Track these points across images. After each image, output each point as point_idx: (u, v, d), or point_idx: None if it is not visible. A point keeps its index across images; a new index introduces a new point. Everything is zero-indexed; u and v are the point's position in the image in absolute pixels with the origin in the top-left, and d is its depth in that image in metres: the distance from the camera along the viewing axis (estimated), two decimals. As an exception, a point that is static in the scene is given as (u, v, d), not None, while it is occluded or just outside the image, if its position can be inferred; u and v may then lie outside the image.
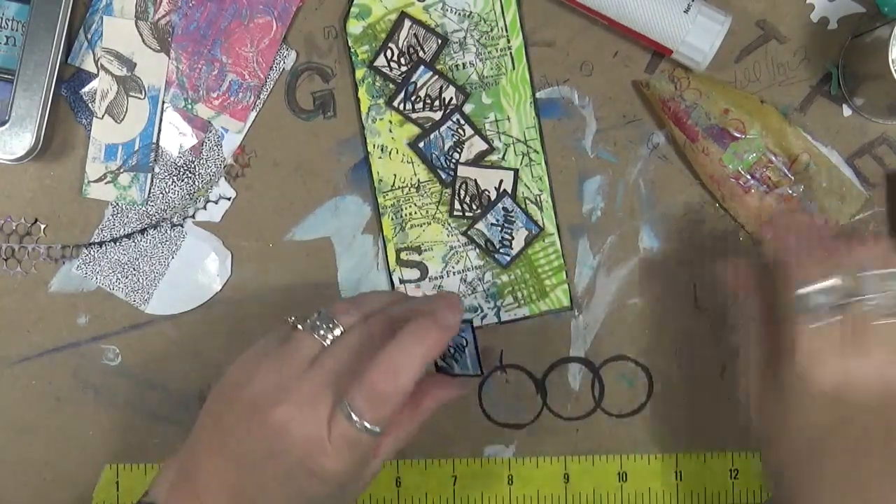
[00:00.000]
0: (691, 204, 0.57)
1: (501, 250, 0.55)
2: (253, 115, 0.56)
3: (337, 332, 0.45)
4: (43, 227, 0.57)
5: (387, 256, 0.56)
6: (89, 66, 0.56)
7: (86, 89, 0.56)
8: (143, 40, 0.56)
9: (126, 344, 0.57)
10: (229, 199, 0.57)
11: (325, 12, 0.56)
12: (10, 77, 0.54)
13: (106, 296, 0.57)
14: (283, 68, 0.56)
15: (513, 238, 0.55)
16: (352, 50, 0.55)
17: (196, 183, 0.57)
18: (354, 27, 0.55)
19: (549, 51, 0.56)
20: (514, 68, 0.55)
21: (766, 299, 0.48)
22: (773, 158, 0.55)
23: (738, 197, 0.56)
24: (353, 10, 0.55)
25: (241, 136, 0.57)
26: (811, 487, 0.45)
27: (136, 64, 0.56)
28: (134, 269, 0.57)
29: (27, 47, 0.53)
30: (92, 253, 0.57)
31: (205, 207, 0.57)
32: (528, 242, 0.55)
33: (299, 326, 0.45)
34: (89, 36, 0.56)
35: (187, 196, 0.57)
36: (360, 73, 0.55)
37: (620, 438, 0.57)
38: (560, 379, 0.57)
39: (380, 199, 0.55)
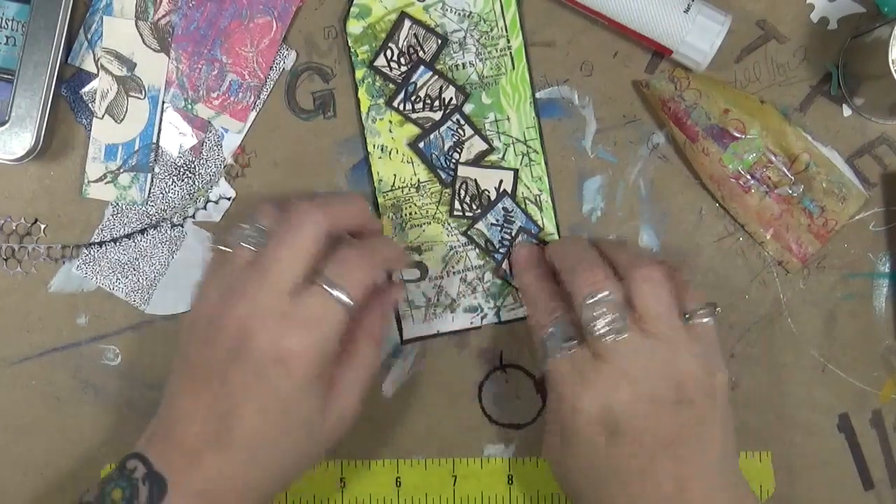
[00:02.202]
0: (691, 204, 0.57)
1: (501, 250, 0.55)
2: (253, 115, 0.56)
3: (250, 233, 0.48)
4: (43, 227, 0.57)
5: None
6: (89, 66, 0.56)
7: (86, 89, 0.56)
8: (143, 40, 0.56)
9: (126, 344, 0.57)
10: (229, 199, 0.57)
11: (325, 12, 0.56)
12: (10, 77, 0.54)
13: (106, 296, 0.57)
14: (283, 68, 0.56)
15: (513, 238, 0.55)
16: (352, 50, 0.55)
17: (196, 183, 0.57)
18: (354, 27, 0.55)
19: (549, 51, 0.56)
20: (513, 68, 0.55)
21: None
22: (773, 158, 0.55)
23: (738, 197, 0.56)
24: (353, 10, 0.55)
25: (241, 136, 0.57)
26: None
27: (136, 64, 0.56)
28: (134, 269, 0.57)
29: (27, 47, 0.53)
30: (92, 253, 0.57)
31: (205, 207, 0.57)
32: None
33: (224, 248, 0.48)
34: (89, 36, 0.56)
35: (187, 196, 0.57)
36: (360, 73, 0.55)
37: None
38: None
39: (380, 199, 0.55)
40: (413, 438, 0.57)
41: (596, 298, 0.47)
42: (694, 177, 0.56)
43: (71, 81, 0.56)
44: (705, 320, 0.49)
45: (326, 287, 0.45)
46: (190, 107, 0.56)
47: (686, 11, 0.53)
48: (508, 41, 0.55)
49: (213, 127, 0.56)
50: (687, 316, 0.49)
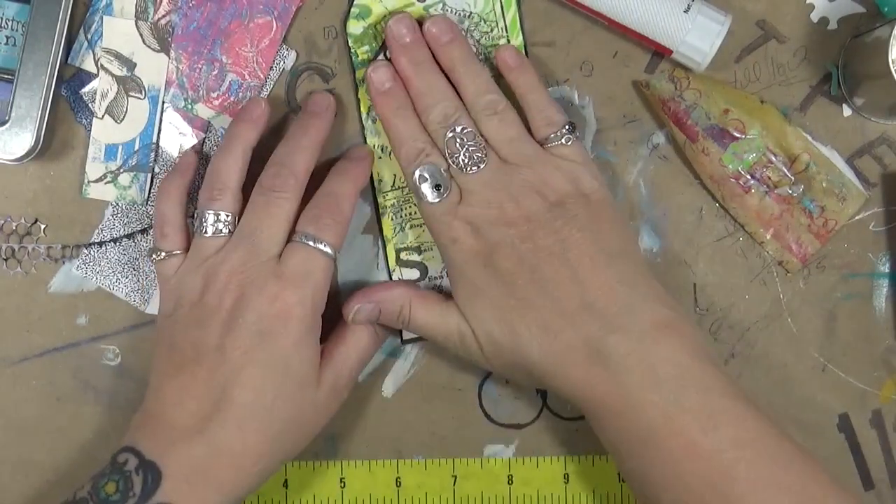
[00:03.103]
0: (691, 204, 0.57)
1: None
2: (253, 115, 0.56)
3: (221, 224, 0.50)
4: (43, 227, 0.57)
5: (386, 256, 0.56)
6: (89, 66, 0.56)
7: (86, 89, 0.56)
8: (143, 40, 0.56)
9: (126, 344, 0.57)
10: (229, 199, 0.57)
11: (325, 12, 0.56)
12: (10, 77, 0.54)
13: (106, 296, 0.57)
14: (283, 68, 0.56)
15: None
16: (352, 50, 0.55)
17: (196, 183, 0.57)
18: (355, 27, 0.55)
19: (549, 51, 0.56)
20: None
21: None
22: (773, 158, 0.55)
23: (738, 197, 0.56)
24: (353, 10, 0.55)
25: (241, 136, 0.57)
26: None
27: (136, 64, 0.56)
28: (134, 269, 0.57)
29: (27, 47, 0.53)
30: (92, 253, 0.57)
31: (205, 207, 0.57)
32: None
33: (176, 252, 0.51)
34: (89, 36, 0.56)
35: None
36: (360, 74, 0.55)
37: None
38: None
39: (380, 200, 0.55)
40: (413, 438, 0.57)
41: (455, 132, 0.50)
42: (694, 177, 0.56)
43: (71, 81, 0.56)
44: (563, 141, 0.51)
45: (308, 242, 0.49)
46: (190, 107, 0.56)
47: (686, 11, 0.53)
48: (509, 41, 0.55)
49: (213, 127, 0.56)
50: (545, 141, 0.51)
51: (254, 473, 0.47)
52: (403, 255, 0.55)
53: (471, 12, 0.55)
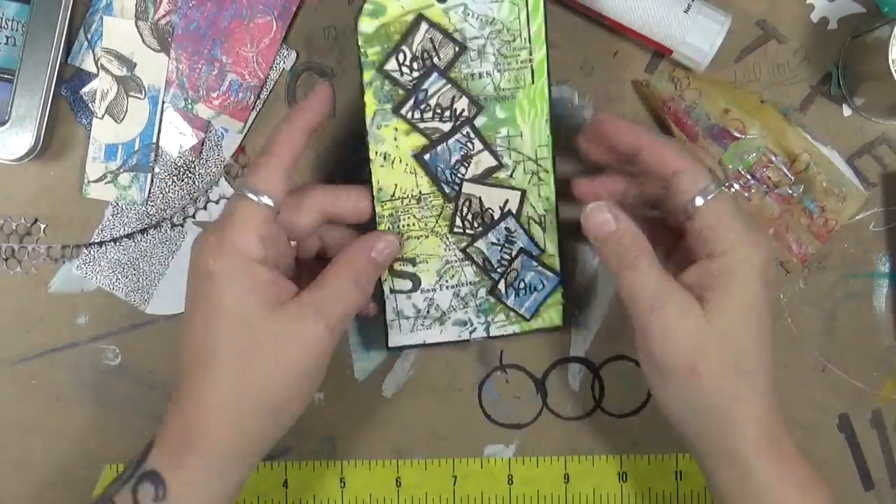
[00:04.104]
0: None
1: (499, 270, 0.54)
2: (253, 115, 0.56)
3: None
4: (43, 227, 0.57)
5: None
6: (89, 66, 0.56)
7: (86, 89, 0.56)
8: (143, 40, 0.56)
9: (126, 344, 0.57)
10: (229, 199, 0.57)
11: (325, 12, 0.56)
12: (10, 77, 0.54)
13: (106, 296, 0.57)
14: (283, 68, 0.56)
15: (512, 259, 0.53)
16: (361, 50, 0.50)
17: (196, 183, 0.57)
18: (367, 25, 0.50)
19: (549, 51, 0.56)
20: (533, 82, 0.51)
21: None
22: (773, 158, 0.55)
23: (737, 197, 0.56)
24: (366, 6, 0.50)
25: (241, 136, 0.57)
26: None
27: (136, 64, 0.56)
28: (134, 269, 0.57)
29: (27, 47, 0.54)
30: (92, 253, 0.57)
31: (205, 207, 0.57)
32: (547, 295, 0.54)
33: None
34: (89, 36, 0.56)
35: (187, 196, 0.57)
36: (368, 75, 0.50)
37: (620, 438, 0.57)
38: (560, 379, 0.57)
39: (378, 208, 0.52)
40: (413, 438, 0.57)
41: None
42: (694, 177, 0.56)
43: (71, 81, 0.56)
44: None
45: (239, 190, 0.46)
46: (190, 107, 0.56)
47: (686, 11, 0.53)
48: (531, 53, 0.51)
49: (213, 127, 0.56)
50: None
51: (240, 429, 0.46)
52: (397, 266, 0.53)
53: (493, 18, 0.50)
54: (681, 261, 0.48)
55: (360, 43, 0.50)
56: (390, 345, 0.54)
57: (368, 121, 0.51)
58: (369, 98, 0.51)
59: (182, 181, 0.57)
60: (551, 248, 0.53)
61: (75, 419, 0.57)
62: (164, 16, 0.56)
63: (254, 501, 0.57)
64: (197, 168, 0.57)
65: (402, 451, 0.57)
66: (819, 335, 0.56)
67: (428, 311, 0.54)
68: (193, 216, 0.57)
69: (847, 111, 0.56)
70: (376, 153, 0.52)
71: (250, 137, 0.57)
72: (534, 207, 0.53)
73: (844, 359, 0.56)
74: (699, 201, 0.46)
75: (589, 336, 0.57)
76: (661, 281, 0.46)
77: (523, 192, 0.53)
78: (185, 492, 0.45)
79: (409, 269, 0.53)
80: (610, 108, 0.56)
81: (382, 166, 0.52)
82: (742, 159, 0.55)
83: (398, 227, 0.52)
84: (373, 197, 0.52)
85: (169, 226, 0.57)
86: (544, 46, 0.51)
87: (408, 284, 0.54)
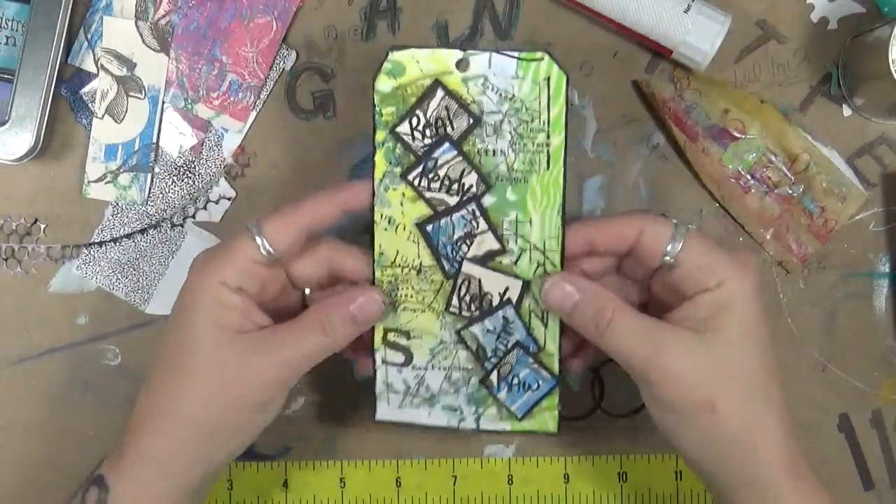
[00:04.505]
0: (691, 204, 0.57)
1: (493, 360, 0.51)
2: (253, 115, 0.57)
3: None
4: (43, 227, 0.57)
5: (373, 334, 0.51)
6: (89, 66, 0.56)
7: (86, 89, 0.56)
8: (143, 40, 0.56)
9: (126, 344, 0.57)
10: (229, 199, 0.57)
11: (325, 12, 0.56)
12: (10, 77, 0.54)
13: (106, 296, 0.57)
14: (283, 68, 0.56)
15: (507, 350, 0.50)
16: (377, 108, 0.48)
17: (196, 183, 0.57)
18: (384, 84, 0.48)
19: (549, 51, 0.56)
20: (548, 169, 0.48)
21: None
22: (773, 158, 0.55)
23: (738, 197, 0.56)
24: (385, 64, 0.48)
25: (241, 136, 0.57)
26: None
27: (136, 64, 0.56)
28: (134, 269, 0.57)
29: (27, 47, 0.53)
30: (92, 253, 0.57)
31: (205, 207, 0.57)
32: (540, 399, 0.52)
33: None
34: (89, 36, 0.56)
35: (187, 196, 0.57)
36: (380, 136, 0.49)
37: (620, 438, 0.57)
38: (560, 379, 0.57)
39: (377, 273, 0.50)
40: (413, 438, 0.57)
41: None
42: (694, 177, 0.56)
43: (71, 81, 0.56)
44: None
45: (248, 227, 0.46)
46: (190, 107, 0.56)
47: (686, 11, 0.53)
48: (548, 137, 0.48)
49: (213, 127, 0.56)
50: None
51: (165, 441, 0.46)
52: (391, 337, 0.51)
53: (513, 95, 0.48)
54: (657, 308, 0.47)
55: (375, 101, 0.48)
56: (377, 418, 0.52)
57: (377, 182, 0.49)
58: (380, 158, 0.49)
59: (182, 181, 0.57)
60: (551, 346, 0.50)
61: (75, 419, 0.57)
62: (164, 16, 0.56)
63: (254, 501, 0.57)
64: (197, 168, 0.57)
65: (402, 451, 0.57)
66: (819, 335, 0.56)
67: (417, 390, 0.51)
68: (193, 216, 0.57)
69: (847, 111, 0.56)
70: (381, 215, 0.49)
71: (250, 137, 0.57)
72: (536, 301, 0.49)
73: (844, 359, 0.56)
74: (676, 248, 0.45)
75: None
76: (649, 326, 0.45)
77: (526, 283, 0.49)
78: (125, 495, 0.46)
79: (403, 341, 0.51)
80: (610, 107, 0.56)
81: (386, 230, 0.49)
82: (742, 159, 0.55)
83: (396, 295, 0.50)
84: (374, 260, 0.50)
85: (169, 226, 0.57)
86: (563, 132, 0.48)
87: (400, 357, 0.51)
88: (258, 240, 0.46)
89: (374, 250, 0.50)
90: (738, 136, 0.55)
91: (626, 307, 0.45)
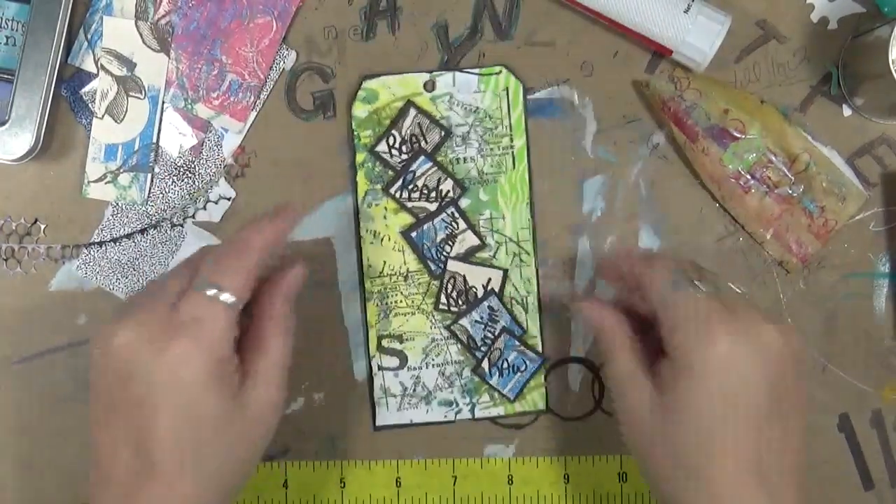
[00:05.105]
0: (691, 204, 0.57)
1: (483, 348, 0.55)
2: (253, 115, 0.57)
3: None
4: (43, 227, 0.57)
5: (367, 342, 0.56)
6: (89, 66, 0.56)
7: (86, 89, 0.56)
8: (143, 40, 0.56)
9: (126, 344, 0.57)
10: (229, 199, 0.57)
11: (325, 12, 0.56)
12: (10, 77, 0.54)
13: (106, 296, 0.57)
14: (283, 68, 0.56)
15: (495, 337, 0.55)
16: (355, 133, 0.55)
17: (196, 183, 0.57)
18: (360, 111, 0.55)
19: (549, 51, 0.56)
20: (514, 168, 0.55)
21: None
22: (773, 158, 0.55)
23: (738, 197, 0.56)
24: (360, 93, 0.55)
25: (241, 136, 0.57)
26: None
27: (136, 64, 0.56)
28: (134, 269, 0.57)
29: (27, 47, 0.54)
30: (92, 253, 0.57)
31: (205, 207, 0.57)
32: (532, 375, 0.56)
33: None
34: (89, 36, 0.56)
35: (187, 196, 0.57)
36: (360, 157, 0.55)
37: (620, 438, 0.57)
38: (560, 379, 0.57)
39: (367, 285, 0.55)
40: (413, 438, 0.57)
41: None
42: (694, 177, 0.56)
43: (71, 81, 0.56)
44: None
45: (202, 290, 0.44)
46: (190, 107, 0.56)
47: (686, 11, 0.53)
48: (512, 140, 0.55)
49: (213, 127, 0.56)
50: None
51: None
52: (385, 343, 0.55)
53: (477, 107, 0.54)
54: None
55: (353, 126, 0.55)
56: (378, 424, 0.56)
57: (360, 200, 0.55)
58: (361, 178, 0.55)
59: (182, 181, 0.57)
60: (533, 329, 0.55)
61: (75, 419, 0.57)
62: (164, 16, 0.56)
63: (254, 501, 0.57)
64: (197, 168, 0.57)
65: (402, 451, 0.57)
66: (819, 335, 0.56)
67: (414, 390, 0.56)
68: (193, 216, 0.57)
69: (847, 111, 0.56)
70: (367, 230, 0.55)
71: (250, 137, 0.57)
72: (516, 288, 0.55)
73: (844, 359, 0.56)
74: (663, 295, 0.46)
75: (589, 336, 0.57)
76: (629, 372, 0.47)
77: (505, 272, 0.55)
78: None
79: (397, 345, 0.55)
80: (610, 107, 0.56)
81: (372, 243, 0.55)
82: (742, 159, 0.55)
83: (387, 303, 0.55)
84: (362, 274, 0.54)
85: (169, 226, 0.57)
86: (524, 135, 0.55)
87: (395, 362, 0.55)
88: (224, 297, 0.44)
89: (361, 264, 0.55)
90: (738, 136, 0.55)
91: (625, 347, 0.48)
